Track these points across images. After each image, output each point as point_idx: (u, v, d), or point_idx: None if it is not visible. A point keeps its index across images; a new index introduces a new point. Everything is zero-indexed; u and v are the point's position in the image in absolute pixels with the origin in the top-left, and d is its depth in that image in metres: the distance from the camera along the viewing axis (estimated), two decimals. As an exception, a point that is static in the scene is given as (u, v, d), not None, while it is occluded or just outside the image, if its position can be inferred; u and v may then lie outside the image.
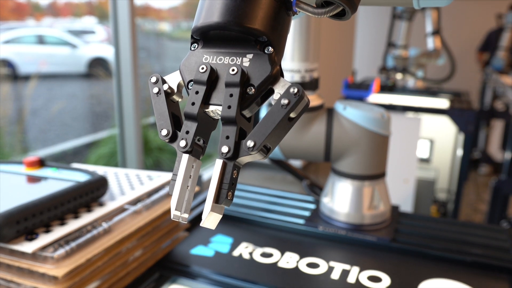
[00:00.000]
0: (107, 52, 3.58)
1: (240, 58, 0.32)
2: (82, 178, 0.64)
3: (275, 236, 0.79)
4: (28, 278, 0.52)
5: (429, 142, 2.16)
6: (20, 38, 3.61)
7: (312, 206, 0.87)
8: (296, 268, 0.68)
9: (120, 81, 1.94)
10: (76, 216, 0.59)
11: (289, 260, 0.70)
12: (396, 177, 1.66)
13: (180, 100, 0.35)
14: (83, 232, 0.56)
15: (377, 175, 0.78)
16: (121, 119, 1.99)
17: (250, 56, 0.32)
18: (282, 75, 0.33)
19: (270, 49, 0.32)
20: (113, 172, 0.76)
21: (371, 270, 0.68)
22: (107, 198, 0.65)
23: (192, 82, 0.33)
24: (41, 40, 3.77)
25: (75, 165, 0.75)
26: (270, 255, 0.71)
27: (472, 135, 1.92)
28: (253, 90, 0.31)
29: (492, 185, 1.94)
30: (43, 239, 0.53)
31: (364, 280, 0.65)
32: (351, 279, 0.65)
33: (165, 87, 0.34)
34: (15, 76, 3.00)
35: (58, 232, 0.55)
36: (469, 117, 1.87)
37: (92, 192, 0.62)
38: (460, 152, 2.01)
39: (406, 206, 1.72)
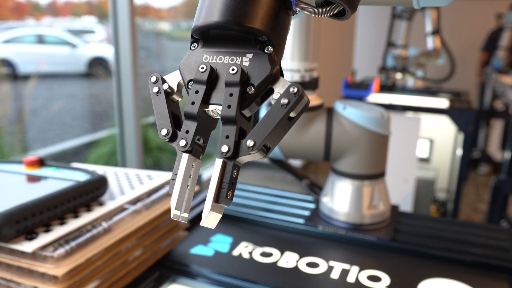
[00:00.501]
0: (107, 52, 3.58)
1: (240, 57, 0.32)
2: (82, 177, 0.64)
3: (274, 236, 0.79)
4: (28, 278, 0.52)
5: (429, 142, 2.16)
6: (20, 38, 3.61)
7: (311, 206, 0.87)
8: (296, 267, 0.68)
9: (120, 81, 1.94)
10: (76, 215, 0.59)
11: (288, 260, 0.70)
12: (395, 177, 1.66)
13: (180, 99, 0.35)
14: (83, 232, 0.56)
15: (376, 174, 0.78)
16: (121, 119, 1.99)
17: (250, 55, 0.32)
18: (282, 75, 0.33)
19: (270, 48, 0.32)
20: (112, 171, 0.76)
21: (371, 269, 0.68)
22: (107, 197, 0.65)
23: (192, 82, 0.33)
24: (40, 40, 3.77)
25: (75, 164, 0.75)
26: (269, 255, 0.72)
27: (471, 134, 1.93)
28: (253, 89, 0.31)
29: (491, 185, 1.94)
30: (43, 239, 0.53)
31: (363, 280, 0.65)
32: (350, 278, 0.65)
33: (165, 86, 0.34)
34: (14, 75, 3.00)
35: (58, 231, 0.55)
36: (469, 117, 1.87)
37: (92, 192, 0.62)
38: (459, 151, 2.01)
39: (406, 205, 1.72)
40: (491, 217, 1.97)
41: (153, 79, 0.34)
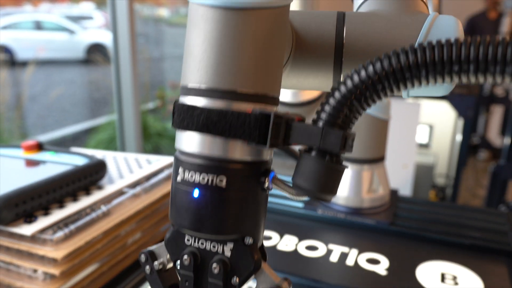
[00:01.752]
0: (105, 38, 3.57)
1: (221, 246, 0.31)
2: (81, 161, 0.64)
3: (274, 219, 0.79)
4: (27, 260, 0.52)
5: (429, 128, 2.16)
6: (18, 24, 3.59)
7: (311, 190, 0.87)
8: (295, 251, 0.68)
9: (119, 67, 1.93)
10: (75, 199, 0.59)
11: (288, 243, 0.70)
12: (395, 162, 1.66)
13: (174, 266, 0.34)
14: (82, 215, 0.56)
15: (376, 159, 0.78)
16: (120, 105, 1.99)
17: (230, 245, 0.31)
18: (265, 257, 0.33)
19: (250, 240, 0.31)
20: (111, 156, 0.76)
21: (370, 252, 0.68)
22: (106, 181, 0.65)
23: (179, 263, 0.32)
24: (38, 26, 3.75)
25: (74, 149, 0.75)
26: (269, 238, 0.72)
27: (471, 120, 1.92)
28: (237, 282, 0.31)
29: (490, 170, 1.95)
30: (42, 222, 0.53)
31: (362, 263, 0.65)
32: (349, 261, 0.65)
33: (156, 263, 0.33)
34: (12, 62, 2.99)
35: (57, 215, 0.55)
36: (469, 103, 1.87)
37: (90, 176, 0.62)
38: (459, 137, 2.01)
39: (405, 191, 1.72)
40: (490, 202, 1.98)
41: (143, 258, 0.33)
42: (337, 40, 0.33)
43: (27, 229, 0.51)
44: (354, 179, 0.77)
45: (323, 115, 0.27)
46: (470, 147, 3.36)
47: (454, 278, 0.62)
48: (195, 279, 0.31)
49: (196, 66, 0.29)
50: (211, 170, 0.29)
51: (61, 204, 0.57)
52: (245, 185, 0.30)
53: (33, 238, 0.51)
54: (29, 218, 0.53)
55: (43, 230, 0.52)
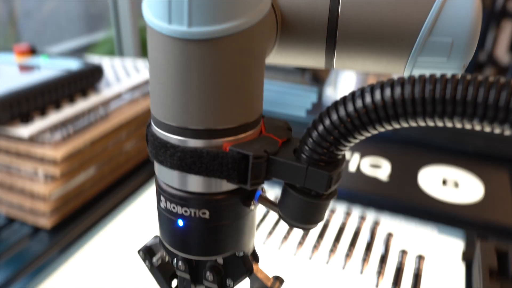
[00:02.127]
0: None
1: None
2: (75, 65, 0.62)
3: (276, 128, 0.78)
4: (27, 161, 0.51)
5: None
6: None
7: (314, 98, 0.86)
8: (297, 157, 0.68)
9: (114, -21, 1.84)
10: (72, 102, 0.58)
11: (290, 150, 0.70)
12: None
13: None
14: (79, 117, 0.55)
15: (381, 65, 0.75)
16: (117, 20, 1.91)
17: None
18: (257, 259, 0.31)
19: (241, 253, 0.29)
20: (109, 61, 0.74)
21: (372, 156, 0.68)
22: (104, 85, 0.63)
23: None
24: None
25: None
26: (271, 145, 0.71)
27: (480, 35, 1.86)
28: (232, 285, 0.30)
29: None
30: (39, 123, 0.52)
31: (365, 168, 0.65)
32: (352, 167, 0.65)
33: (155, 260, 0.32)
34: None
35: (54, 116, 0.53)
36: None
37: (86, 78, 0.60)
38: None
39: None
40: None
41: (142, 255, 0.32)
42: (330, 20, 0.28)
43: (24, 131, 0.50)
44: (359, 86, 0.75)
45: (306, 150, 0.24)
46: (476, 65, 3.29)
47: (455, 182, 0.62)
48: (192, 278, 0.31)
49: (162, 101, 0.25)
50: (192, 205, 0.27)
51: (58, 107, 0.56)
52: (230, 213, 0.28)
53: (31, 140, 0.51)
54: (25, 118, 0.52)
55: (41, 132, 0.51)
